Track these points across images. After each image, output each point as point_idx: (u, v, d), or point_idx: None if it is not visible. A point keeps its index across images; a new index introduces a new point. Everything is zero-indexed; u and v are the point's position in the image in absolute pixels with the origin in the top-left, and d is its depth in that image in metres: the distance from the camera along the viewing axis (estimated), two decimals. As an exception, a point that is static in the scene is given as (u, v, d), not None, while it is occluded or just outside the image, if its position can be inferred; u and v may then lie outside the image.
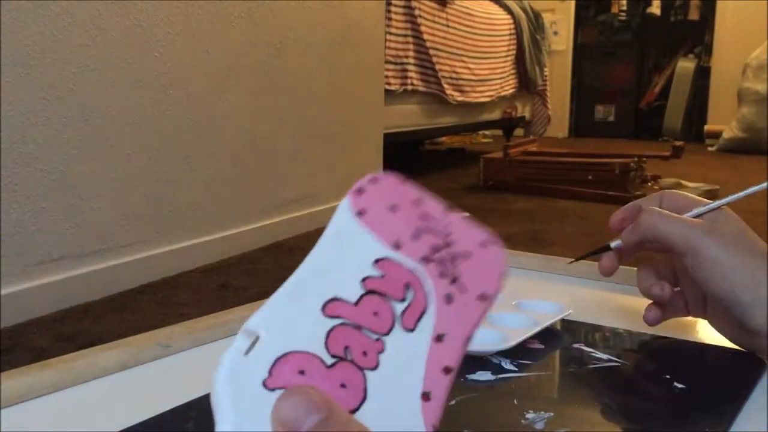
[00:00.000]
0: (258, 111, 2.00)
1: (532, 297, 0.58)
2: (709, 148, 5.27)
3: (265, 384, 0.24)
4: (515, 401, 0.41)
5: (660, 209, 0.47)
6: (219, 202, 1.89)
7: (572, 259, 0.61)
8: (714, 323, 0.50)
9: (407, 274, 0.27)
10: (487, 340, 0.49)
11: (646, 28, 6.56)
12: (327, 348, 0.25)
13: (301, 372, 0.24)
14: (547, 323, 0.51)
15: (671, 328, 0.56)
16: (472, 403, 0.41)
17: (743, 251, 0.44)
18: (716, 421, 0.40)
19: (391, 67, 2.93)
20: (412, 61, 3.14)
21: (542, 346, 0.51)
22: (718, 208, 0.47)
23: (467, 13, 3.70)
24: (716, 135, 5.31)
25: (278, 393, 0.23)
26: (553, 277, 0.73)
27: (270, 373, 0.24)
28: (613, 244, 0.51)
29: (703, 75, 6.19)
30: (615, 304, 0.66)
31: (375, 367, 0.25)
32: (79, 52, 1.46)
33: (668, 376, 0.46)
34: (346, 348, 0.25)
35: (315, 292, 0.26)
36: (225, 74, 1.86)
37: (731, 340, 0.48)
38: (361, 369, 0.25)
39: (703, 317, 0.51)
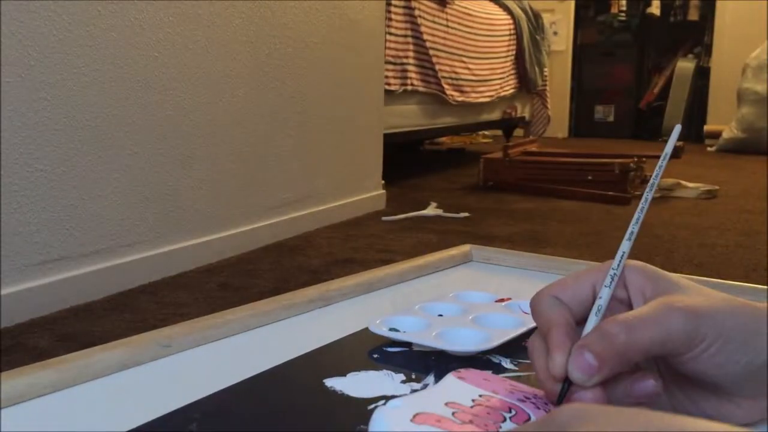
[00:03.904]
0: (258, 111, 2.00)
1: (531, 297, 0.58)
2: (709, 149, 5.27)
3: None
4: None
5: (615, 320, 0.33)
6: (219, 202, 1.89)
7: None
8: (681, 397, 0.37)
9: (509, 403, 0.34)
10: (472, 340, 0.49)
11: (645, 29, 6.56)
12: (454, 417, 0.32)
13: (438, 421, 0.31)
14: (532, 324, 0.52)
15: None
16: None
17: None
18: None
19: (391, 67, 2.93)
20: (412, 61, 3.14)
21: (542, 346, 0.51)
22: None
23: (467, 13, 3.70)
24: (716, 135, 5.31)
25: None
26: (552, 278, 0.73)
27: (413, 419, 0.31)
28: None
29: (702, 75, 6.19)
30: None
31: None
32: (79, 52, 1.46)
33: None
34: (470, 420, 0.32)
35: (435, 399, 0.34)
36: (225, 74, 1.86)
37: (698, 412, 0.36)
38: None
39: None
